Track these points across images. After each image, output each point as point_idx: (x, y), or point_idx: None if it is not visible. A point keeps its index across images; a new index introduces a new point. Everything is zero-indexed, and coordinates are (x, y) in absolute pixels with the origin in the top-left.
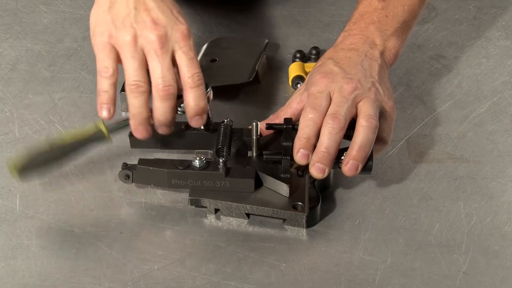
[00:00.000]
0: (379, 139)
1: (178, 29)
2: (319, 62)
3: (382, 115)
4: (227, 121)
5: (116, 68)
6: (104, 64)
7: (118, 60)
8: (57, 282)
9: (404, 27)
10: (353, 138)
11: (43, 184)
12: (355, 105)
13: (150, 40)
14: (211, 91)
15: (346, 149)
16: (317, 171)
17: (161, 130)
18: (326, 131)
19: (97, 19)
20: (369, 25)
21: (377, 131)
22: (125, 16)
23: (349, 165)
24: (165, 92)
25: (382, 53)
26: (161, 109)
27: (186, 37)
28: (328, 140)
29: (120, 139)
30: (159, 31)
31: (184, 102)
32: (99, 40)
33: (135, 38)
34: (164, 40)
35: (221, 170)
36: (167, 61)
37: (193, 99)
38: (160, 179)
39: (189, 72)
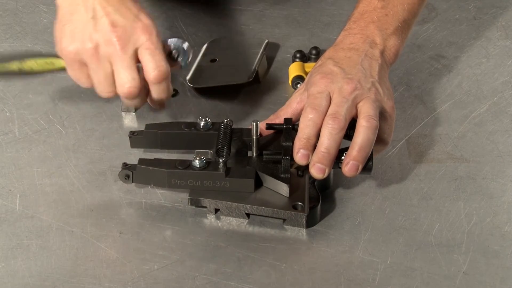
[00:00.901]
0: (380, 140)
1: (138, 26)
2: (319, 62)
3: (382, 115)
4: (227, 121)
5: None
6: (80, 82)
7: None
8: (57, 282)
9: (404, 26)
10: (354, 139)
11: (43, 184)
12: (355, 105)
13: (110, 44)
14: (191, 50)
15: (346, 149)
16: (317, 171)
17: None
18: (326, 132)
19: (60, 34)
20: (369, 24)
21: (377, 132)
22: (84, 27)
23: (349, 166)
24: (128, 94)
25: (382, 52)
26: (128, 103)
27: (147, 32)
28: (328, 140)
29: (120, 139)
30: (118, 32)
31: (150, 93)
32: (66, 56)
33: (96, 49)
34: (124, 41)
35: (221, 170)
36: (129, 61)
37: (157, 94)
38: (160, 179)
39: (151, 68)
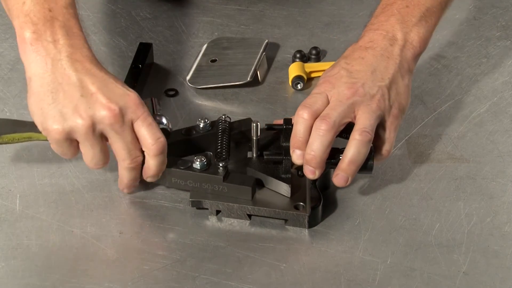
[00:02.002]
0: (377, 150)
1: (130, 100)
2: (337, 60)
3: (381, 125)
4: (224, 117)
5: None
6: (66, 156)
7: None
8: (57, 282)
9: (428, 15)
10: (345, 151)
11: (43, 184)
12: (352, 111)
13: (108, 121)
14: (169, 123)
15: (342, 150)
16: (307, 172)
17: (128, 190)
18: (314, 133)
19: (43, 114)
20: (389, 17)
21: (370, 144)
22: (75, 107)
23: (338, 177)
24: (134, 164)
25: (402, 48)
26: (130, 177)
27: (140, 105)
28: (315, 142)
29: None
30: (114, 110)
31: (146, 166)
32: (53, 136)
33: (91, 126)
34: (121, 116)
35: (220, 174)
36: (129, 135)
37: (155, 166)
38: (161, 176)
39: (151, 139)
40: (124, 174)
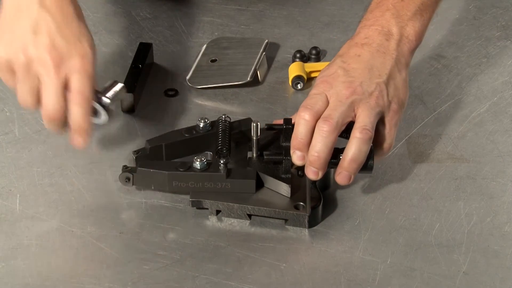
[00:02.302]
0: (378, 147)
1: (76, 51)
2: (333, 58)
3: (381, 121)
4: (224, 117)
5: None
6: (6, 83)
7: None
8: (57, 282)
9: (423, 9)
10: (346, 149)
11: (43, 184)
12: (352, 109)
13: (44, 64)
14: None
15: (342, 149)
16: (310, 173)
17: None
18: (317, 134)
19: None
20: (384, 12)
21: (371, 142)
22: (22, 40)
23: (341, 176)
24: (50, 115)
25: (398, 43)
26: (48, 126)
27: (84, 58)
28: (319, 143)
29: (120, 139)
30: (54, 54)
31: (70, 115)
32: None
33: (28, 64)
34: (58, 64)
35: (222, 171)
36: (59, 84)
37: (75, 116)
38: (161, 182)
39: (75, 90)
40: (44, 121)
